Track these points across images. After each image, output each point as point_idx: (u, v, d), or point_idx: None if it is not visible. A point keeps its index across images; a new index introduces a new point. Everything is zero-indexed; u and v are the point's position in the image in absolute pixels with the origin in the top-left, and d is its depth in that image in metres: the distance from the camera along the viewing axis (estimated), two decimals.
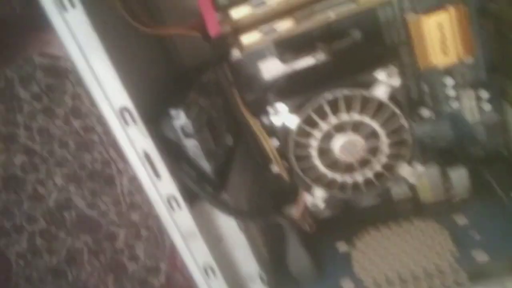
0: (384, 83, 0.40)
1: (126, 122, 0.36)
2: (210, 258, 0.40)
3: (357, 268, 0.47)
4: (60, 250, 1.13)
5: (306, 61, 0.44)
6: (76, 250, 1.13)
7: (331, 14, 0.43)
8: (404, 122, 0.41)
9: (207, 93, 0.46)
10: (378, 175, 0.43)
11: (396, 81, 0.40)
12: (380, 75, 0.39)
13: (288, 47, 0.46)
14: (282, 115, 0.42)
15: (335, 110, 0.41)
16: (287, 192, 0.53)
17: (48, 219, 1.10)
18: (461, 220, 0.48)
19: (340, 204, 0.50)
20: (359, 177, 0.43)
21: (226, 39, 0.45)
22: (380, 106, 0.40)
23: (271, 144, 0.47)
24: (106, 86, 0.34)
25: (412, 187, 0.50)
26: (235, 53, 0.45)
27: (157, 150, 0.37)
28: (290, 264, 0.47)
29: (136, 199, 1.01)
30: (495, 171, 0.52)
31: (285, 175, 0.48)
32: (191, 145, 0.40)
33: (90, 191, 1.08)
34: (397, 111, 0.40)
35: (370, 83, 0.40)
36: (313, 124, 0.41)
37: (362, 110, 0.40)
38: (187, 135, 0.39)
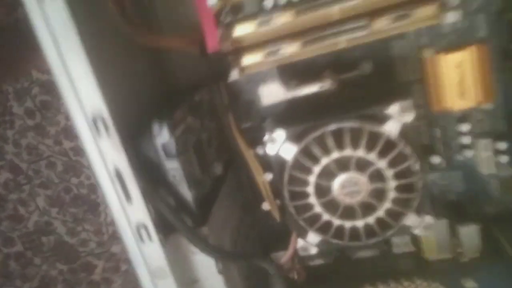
0: (396, 118, 0.35)
1: (98, 132, 0.30)
2: None
3: None
4: (34, 277, 1.05)
5: (310, 89, 0.40)
6: (50, 278, 1.05)
7: (342, 41, 0.39)
8: (414, 163, 0.36)
9: (198, 113, 0.41)
10: (380, 222, 0.37)
11: (409, 117, 0.35)
12: (392, 109, 0.35)
13: (292, 72, 0.41)
14: (278, 144, 0.37)
15: (338, 143, 0.35)
16: (276, 234, 0.48)
17: (25, 243, 1.02)
18: (469, 283, 0.42)
19: (335, 251, 0.44)
20: (358, 222, 0.38)
21: (226, 57, 0.41)
22: (388, 143, 0.35)
23: (264, 177, 0.42)
24: (79, 87, 0.30)
25: (416, 240, 0.44)
26: (234, 74, 0.41)
27: (131, 169, 0.31)
28: None
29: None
30: (509, 231, 0.46)
31: (276, 214, 0.43)
32: (172, 168, 0.34)
33: (72, 217, 1.01)
34: (407, 150, 0.35)
35: (379, 117, 0.35)
36: (312, 157, 0.36)
37: (369, 146, 0.35)
38: (169, 155, 0.34)
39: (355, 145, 0.35)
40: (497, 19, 0.40)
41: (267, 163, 0.43)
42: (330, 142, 0.35)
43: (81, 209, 1.02)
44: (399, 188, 0.36)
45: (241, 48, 0.40)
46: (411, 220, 0.37)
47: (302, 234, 0.39)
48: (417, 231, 0.38)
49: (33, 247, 1.04)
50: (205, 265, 0.36)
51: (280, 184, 0.38)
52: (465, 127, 0.44)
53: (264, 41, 0.39)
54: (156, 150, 0.34)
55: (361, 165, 0.36)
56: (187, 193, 0.35)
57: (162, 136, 0.34)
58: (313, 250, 0.40)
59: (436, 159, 0.44)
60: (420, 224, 0.38)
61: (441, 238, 0.45)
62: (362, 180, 0.36)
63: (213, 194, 0.40)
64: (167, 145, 0.34)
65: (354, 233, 0.38)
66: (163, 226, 0.34)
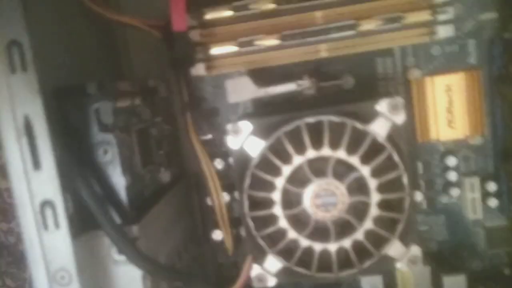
0: (385, 116, 0.28)
1: (12, 65, 0.22)
2: None
3: None
4: None
5: (285, 87, 0.33)
6: None
7: (323, 49, 0.34)
8: (402, 175, 0.29)
9: (149, 102, 0.33)
10: (357, 247, 0.29)
11: (399, 118, 0.29)
12: (382, 105, 0.29)
13: (266, 76, 0.35)
14: (243, 136, 0.29)
15: (315, 140, 0.28)
16: (224, 275, 0.39)
17: None
18: None
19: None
20: (331, 245, 0.29)
21: (192, 47, 0.34)
22: (374, 146, 0.29)
23: (222, 196, 0.34)
24: None
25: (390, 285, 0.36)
26: (199, 68, 0.34)
27: (46, 123, 0.23)
28: None
29: None
30: None
31: (229, 244, 0.34)
32: (105, 142, 0.26)
33: None
34: (395, 158, 0.28)
35: (366, 114, 0.29)
36: (282, 155, 0.29)
37: (351, 147, 0.28)
38: (102, 124, 0.26)
39: (335, 144, 0.28)
40: (489, 47, 0.37)
41: (225, 176, 0.35)
42: (306, 137, 0.28)
43: (5, 260, 0.87)
44: (383, 205, 0.29)
45: (211, 35, 0.34)
46: (394, 249, 0.30)
47: (260, 257, 0.30)
48: (400, 265, 0.30)
49: None
50: (128, 278, 0.27)
51: (240, 188, 0.30)
52: (451, 162, 0.38)
53: (239, 30, 0.34)
54: (87, 114, 0.26)
55: (341, 171, 0.29)
56: (119, 179, 0.27)
57: (99, 98, 0.26)
58: (271, 282, 0.31)
59: (418, 196, 0.37)
60: (405, 255, 0.30)
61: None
62: (340, 189, 0.29)
63: (152, 198, 0.31)
64: (103, 110, 0.26)
65: (325, 261, 0.30)
66: (78, 219, 0.25)
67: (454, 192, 0.38)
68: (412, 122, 0.36)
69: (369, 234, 0.29)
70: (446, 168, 0.38)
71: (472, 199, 0.38)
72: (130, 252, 0.26)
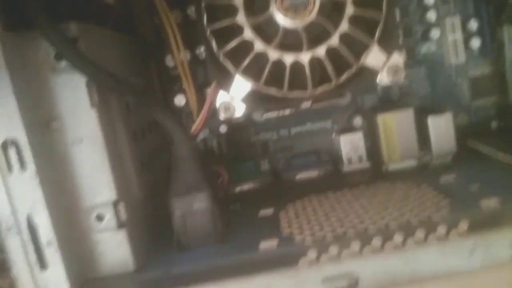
0: None
1: None
2: None
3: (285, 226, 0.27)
4: None
5: None
6: None
7: None
8: None
9: None
10: (333, 54, 0.26)
11: None
12: None
13: None
14: None
15: None
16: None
17: None
18: (444, 177, 0.31)
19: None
20: (303, 56, 0.26)
21: None
22: None
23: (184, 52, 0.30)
24: None
25: (374, 149, 0.32)
26: None
27: None
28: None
29: None
30: (483, 139, 0.36)
31: (193, 105, 0.30)
32: None
33: None
34: None
35: None
36: None
37: None
38: None
39: None
40: None
41: None
42: None
43: None
44: (358, 2, 0.25)
45: None
46: (373, 56, 0.26)
47: (224, 82, 0.27)
48: (382, 78, 0.27)
49: None
50: (71, 87, 0.23)
51: None
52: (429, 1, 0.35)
53: None
54: None
55: None
56: None
57: None
58: (239, 110, 0.27)
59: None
60: (386, 64, 0.27)
61: (406, 139, 0.33)
62: None
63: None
64: None
65: (297, 75, 0.26)
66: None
67: (434, 33, 0.35)
68: None
69: (345, 39, 0.26)
70: (425, 7, 0.35)
71: (453, 41, 0.36)
72: (70, 52, 0.22)
